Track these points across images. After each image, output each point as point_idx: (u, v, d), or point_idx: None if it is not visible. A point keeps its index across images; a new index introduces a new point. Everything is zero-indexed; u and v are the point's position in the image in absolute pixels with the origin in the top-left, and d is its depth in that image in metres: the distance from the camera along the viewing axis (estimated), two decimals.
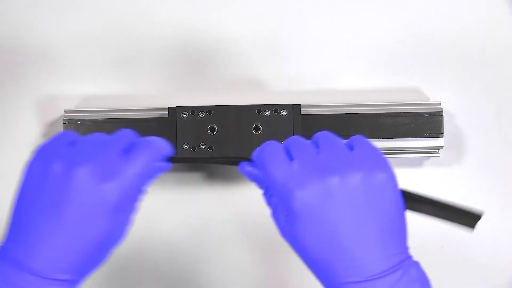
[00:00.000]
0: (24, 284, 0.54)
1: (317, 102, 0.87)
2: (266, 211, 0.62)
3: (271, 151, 0.59)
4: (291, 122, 0.84)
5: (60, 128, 0.87)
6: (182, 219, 0.90)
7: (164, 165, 0.61)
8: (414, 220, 0.90)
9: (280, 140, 0.83)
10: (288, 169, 0.57)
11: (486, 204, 0.90)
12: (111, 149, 0.58)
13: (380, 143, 0.86)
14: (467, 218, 0.61)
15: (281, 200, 0.58)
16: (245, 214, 0.90)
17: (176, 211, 0.90)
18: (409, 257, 0.58)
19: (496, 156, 0.90)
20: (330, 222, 0.56)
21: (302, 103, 0.85)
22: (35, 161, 0.58)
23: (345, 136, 0.86)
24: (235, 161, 0.63)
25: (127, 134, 0.60)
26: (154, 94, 0.90)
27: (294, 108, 0.84)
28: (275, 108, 0.84)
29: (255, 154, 0.61)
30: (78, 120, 0.86)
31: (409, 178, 0.90)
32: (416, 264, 0.58)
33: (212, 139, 0.84)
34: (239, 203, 0.90)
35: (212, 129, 0.85)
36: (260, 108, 0.84)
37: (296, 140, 0.60)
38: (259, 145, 0.84)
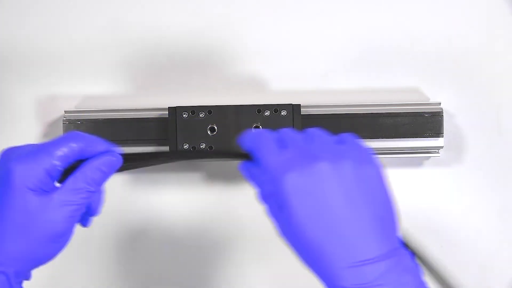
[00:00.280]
0: None
1: (317, 102, 0.87)
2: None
3: (264, 139, 0.61)
4: (291, 122, 0.84)
5: (60, 128, 0.87)
6: (181, 219, 0.90)
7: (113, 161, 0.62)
8: (414, 221, 0.90)
9: None
10: (280, 155, 0.59)
11: (486, 204, 0.90)
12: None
13: (380, 143, 0.86)
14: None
15: (273, 186, 0.58)
16: (245, 214, 0.90)
17: (176, 211, 0.90)
18: (401, 247, 0.58)
19: (496, 156, 0.90)
20: (322, 205, 0.57)
21: (302, 103, 0.85)
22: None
23: None
24: (228, 155, 0.65)
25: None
26: (154, 94, 0.90)
27: (294, 108, 0.84)
28: (275, 108, 0.84)
29: (247, 141, 0.62)
30: (78, 120, 0.86)
31: (409, 178, 0.90)
32: (409, 255, 0.59)
33: (212, 139, 0.84)
34: (239, 203, 0.90)
35: (212, 129, 0.85)
36: (260, 108, 0.84)
37: (289, 131, 0.62)
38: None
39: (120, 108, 0.88)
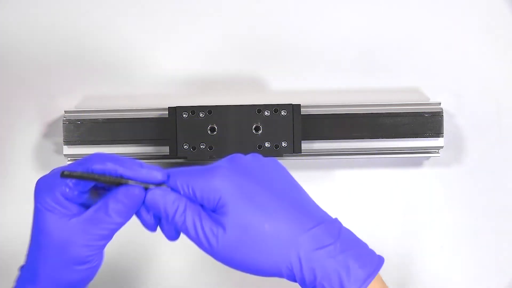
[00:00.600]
0: None
1: (317, 102, 0.87)
2: None
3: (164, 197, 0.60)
4: (291, 122, 0.84)
5: (60, 128, 0.87)
6: None
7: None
8: (415, 220, 0.90)
9: (280, 140, 0.83)
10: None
11: (486, 204, 0.90)
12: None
13: (380, 143, 0.86)
14: None
15: (206, 194, 0.59)
16: None
17: None
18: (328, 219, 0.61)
19: (496, 156, 0.90)
20: (253, 197, 0.59)
21: (302, 103, 0.85)
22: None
23: (346, 136, 0.86)
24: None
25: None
26: (154, 94, 0.90)
27: (294, 108, 0.84)
28: (275, 108, 0.84)
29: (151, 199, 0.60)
30: (78, 120, 0.86)
31: (409, 178, 0.90)
32: (338, 222, 0.61)
33: (212, 139, 0.84)
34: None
35: (212, 129, 0.84)
36: (260, 108, 0.84)
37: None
38: (259, 145, 0.84)
39: (120, 108, 0.88)
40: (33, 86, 0.90)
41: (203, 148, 0.84)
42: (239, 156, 0.62)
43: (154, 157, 0.86)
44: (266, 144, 0.84)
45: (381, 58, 0.90)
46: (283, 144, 0.84)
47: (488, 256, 0.90)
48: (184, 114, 0.84)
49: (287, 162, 0.87)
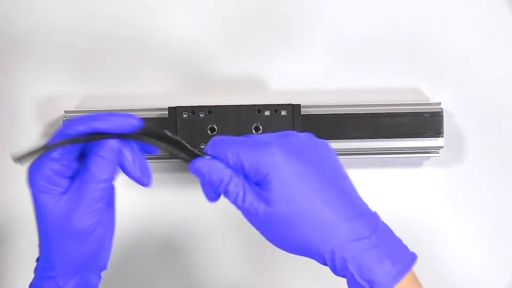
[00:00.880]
0: None
1: (317, 102, 0.87)
2: None
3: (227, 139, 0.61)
4: (291, 122, 0.84)
5: None
6: (181, 218, 0.90)
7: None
8: (414, 221, 0.90)
9: None
10: (256, 137, 0.61)
11: (486, 204, 0.90)
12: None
13: (380, 143, 0.86)
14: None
15: (253, 167, 0.59)
16: None
17: (176, 211, 0.90)
18: (369, 211, 0.61)
19: (496, 156, 0.90)
20: (299, 182, 0.59)
21: (302, 103, 0.85)
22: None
23: (346, 136, 0.86)
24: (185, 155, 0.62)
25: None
26: (154, 94, 0.90)
27: (294, 108, 0.84)
28: (275, 108, 0.84)
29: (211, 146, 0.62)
30: None
31: (409, 178, 0.90)
32: (377, 216, 0.62)
33: None
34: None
35: (212, 129, 0.85)
36: (260, 108, 0.84)
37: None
38: None
39: (120, 108, 0.88)
40: (33, 86, 0.90)
41: (203, 148, 0.84)
42: (293, 133, 0.62)
43: (154, 157, 0.86)
44: None
45: (381, 58, 0.90)
46: None
47: (488, 256, 0.90)
48: (184, 114, 0.84)
49: None
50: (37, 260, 0.64)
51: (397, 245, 0.60)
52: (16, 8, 0.90)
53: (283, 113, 0.84)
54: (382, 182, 0.90)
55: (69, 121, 0.60)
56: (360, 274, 0.58)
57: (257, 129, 0.84)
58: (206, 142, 0.84)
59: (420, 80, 0.90)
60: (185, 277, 0.91)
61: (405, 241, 0.62)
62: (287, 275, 0.90)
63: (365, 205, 0.61)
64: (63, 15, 0.90)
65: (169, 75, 0.90)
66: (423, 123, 0.86)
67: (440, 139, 0.86)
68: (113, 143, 0.60)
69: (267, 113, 0.84)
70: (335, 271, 0.59)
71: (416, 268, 0.61)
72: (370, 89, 0.90)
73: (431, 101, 0.89)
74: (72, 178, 0.61)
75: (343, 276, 0.59)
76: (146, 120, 0.86)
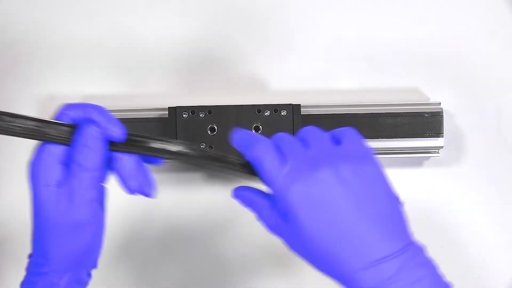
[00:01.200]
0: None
1: (317, 102, 0.87)
2: None
3: (264, 150, 0.59)
4: (291, 122, 0.84)
5: None
6: (181, 218, 0.90)
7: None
8: (414, 221, 0.90)
9: None
10: (282, 167, 0.58)
11: (486, 204, 0.90)
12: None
13: (380, 143, 0.86)
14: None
15: (279, 201, 0.58)
16: (245, 214, 0.90)
17: (176, 211, 0.90)
18: (413, 242, 0.59)
19: (496, 156, 0.90)
20: (330, 212, 0.57)
21: (302, 103, 0.85)
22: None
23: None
24: (228, 166, 0.62)
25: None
26: (154, 94, 0.90)
27: (294, 108, 0.84)
28: (275, 108, 0.84)
29: (247, 148, 0.60)
30: None
31: (409, 178, 0.90)
32: (422, 249, 0.59)
33: (212, 139, 0.84)
34: (239, 203, 0.90)
35: (212, 129, 0.85)
36: (260, 108, 0.84)
37: (286, 139, 0.60)
38: None
39: (120, 108, 0.88)
40: (33, 86, 0.90)
41: (203, 148, 0.84)
42: (350, 162, 0.59)
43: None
44: None
45: (381, 58, 0.90)
46: None
47: (488, 256, 0.90)
48: (184, 114, 0.84)
49: None
50: (30, 256, 0.63)
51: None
52: (17, 8, 0.90)
53: (283, 113, 0.84)
54: None
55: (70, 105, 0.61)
56: None
57: (257, 129, 0.84)
58: (206, 142, 0.84)
59: (420, 80, 0.90)
60: (185, 277, 0.91)
61: None
62: (286, 277, 0.90)
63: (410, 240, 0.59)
64: (63, 16, 0.90)
65: (169, 75, 0.90)
66: (423, 123, 0.86)
67: (440, 139, 0.86)
68: (93, 129, 0.59)
69: (267, 113, 0.84)
70: None
71: None
72: (370, 89, 0.90)
73: (431, 101, 0.89)
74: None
75: None
76: (146, 120, 0.87)
